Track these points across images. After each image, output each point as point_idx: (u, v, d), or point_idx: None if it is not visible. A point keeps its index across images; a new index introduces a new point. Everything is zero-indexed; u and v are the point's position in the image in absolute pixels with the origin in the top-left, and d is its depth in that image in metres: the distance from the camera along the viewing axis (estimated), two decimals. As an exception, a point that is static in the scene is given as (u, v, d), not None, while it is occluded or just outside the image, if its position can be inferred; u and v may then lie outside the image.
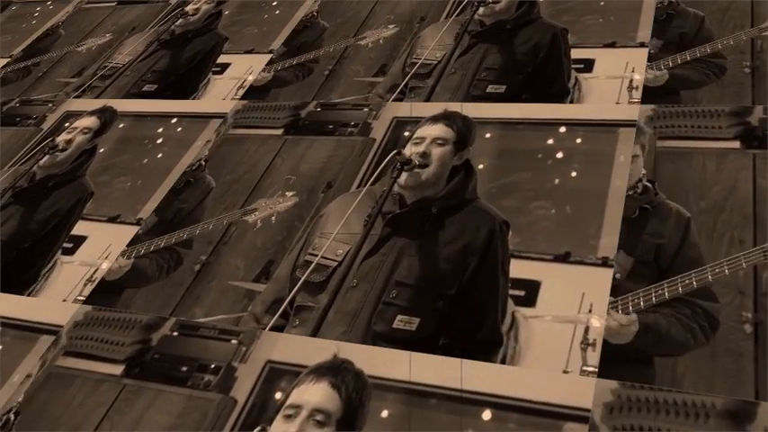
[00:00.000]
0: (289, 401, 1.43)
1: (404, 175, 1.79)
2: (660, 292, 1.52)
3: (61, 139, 2.45)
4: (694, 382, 1.37)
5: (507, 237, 1.71)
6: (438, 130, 1.89)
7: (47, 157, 2.39)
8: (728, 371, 1.37)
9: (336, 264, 1.74)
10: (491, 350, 1.53)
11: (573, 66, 2.17)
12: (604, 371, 1.42)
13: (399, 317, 1.61)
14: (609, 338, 1.47)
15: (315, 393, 1.42)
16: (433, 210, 1.75)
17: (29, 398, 1.69)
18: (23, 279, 2.03)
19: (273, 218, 1.97)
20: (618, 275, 1.58)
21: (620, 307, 1.52)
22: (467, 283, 1.64)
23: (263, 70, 2.55)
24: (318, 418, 1.38)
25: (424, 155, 1.81)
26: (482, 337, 1.57)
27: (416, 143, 1.86)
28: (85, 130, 2.48)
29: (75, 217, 2.18)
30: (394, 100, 2.24)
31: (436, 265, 1.69)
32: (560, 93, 2.11)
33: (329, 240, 1.79)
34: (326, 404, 1.40)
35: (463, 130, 1.89)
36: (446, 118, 1.94)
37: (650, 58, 2.10)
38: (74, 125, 2.52)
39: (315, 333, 1.64)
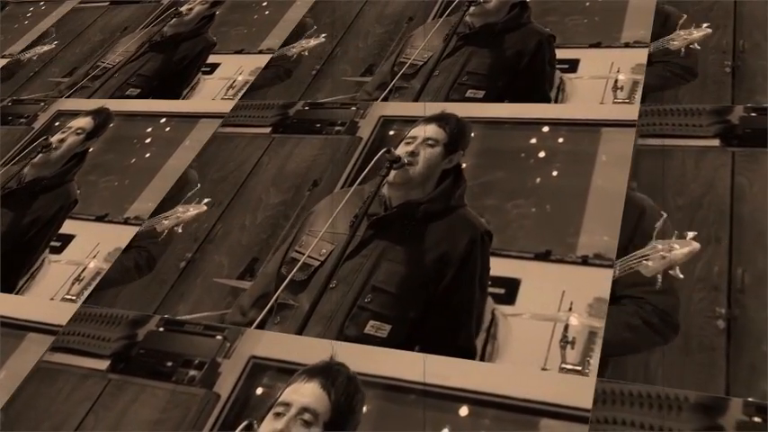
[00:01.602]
0: (280, 399, 1.45)
1: (392, 173, 1.81)
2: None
3: (55, 138, 2.46)
4: (667, 377, 1.39)
5: (489, 248, 1.70)
6: (430, 130, 1.90)
7: (40, 156, 2.40)
8: (700, 366, 1.39)
9: (319, 263, 1.76)
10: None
11: (558, 66, 2.19)
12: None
13: (371, 322, 1.62)
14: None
15: (304, 393, 1.43)
16: (418, 215, 1.76)
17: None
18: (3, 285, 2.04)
19: (180, 228, 2.01)
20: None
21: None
22: (442, 293, 1.64)
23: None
24: (306, 417, 1.40)
25: (413, 154, 1.83)
26: (454, 349, 1.56)
27: (408, 142, 1.88)
28: (79, 131, 2.49)
29: (56, 225, 2.19)
30: (382, 99, 2.25)
31: (414, 272, 1.69)
32: (540, 101, 2.12)
33: (315, 239, 1.81)
34: (315, 404, 1.41)
35: (455, 133, 1.90)
36: (440, 119, 1.96)
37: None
38: (68, 125, 2.53)
39: (299, 333, 1.66)
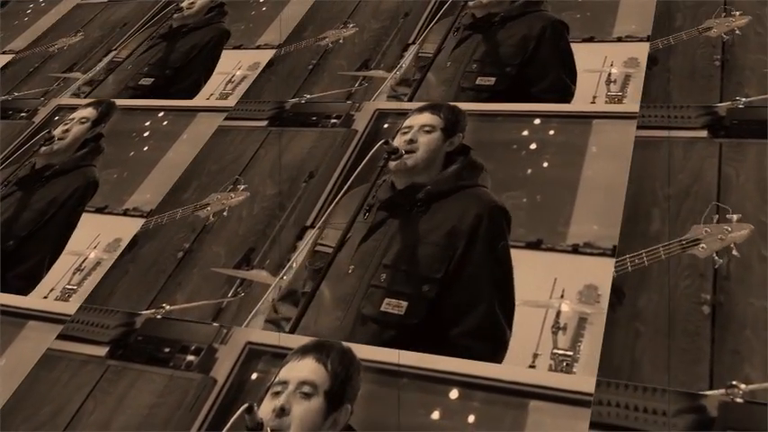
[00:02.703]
0: (277, 379, 1.47)
1: (392, 163, 1.85)
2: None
3: (58, 130, 2.48)
4: (652, 362, 1.42)
5: (502, 222, 1.73)
6: (425, 118, 1.94)
7: (44, 148, 2.43)
8: (685, 351, 1.42)
9: (333, 250, 1.80)
10: (493, 342, 1.55)
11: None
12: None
13: (387, 300, 1.65)
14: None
15: (300, 368, 1.46)
16: (420, 195, 1.79)
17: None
18: (25, 272, 2.08)
19: (225, 212, 2.04)
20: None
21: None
22: (455, 268, 1.67)
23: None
24: (305, 389, 1.42)
25: (411, 142, 1.87)
26: (473, 324, 1.59)
27: (404, 132, 1.92)
28: (83, 120, 2.51)
29: (74, 208, 2.22)
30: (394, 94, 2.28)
31: (423, 248, 1.72)
32: (556, 87, 2.14)
33: (334, 230, 1.86)
34: (312, 376, 1.44)
35: (450, 117, 1.94)
36: (432, 107, 2.00)
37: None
38: (70, 116, 2.56)
39: (300, 317, 1.69)
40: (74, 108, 2.62)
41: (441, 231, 1.72)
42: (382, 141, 1.87)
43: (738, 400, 1.32)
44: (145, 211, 2.12)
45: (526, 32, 2.27)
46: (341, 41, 2.59)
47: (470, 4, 2.46)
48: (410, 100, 2.23)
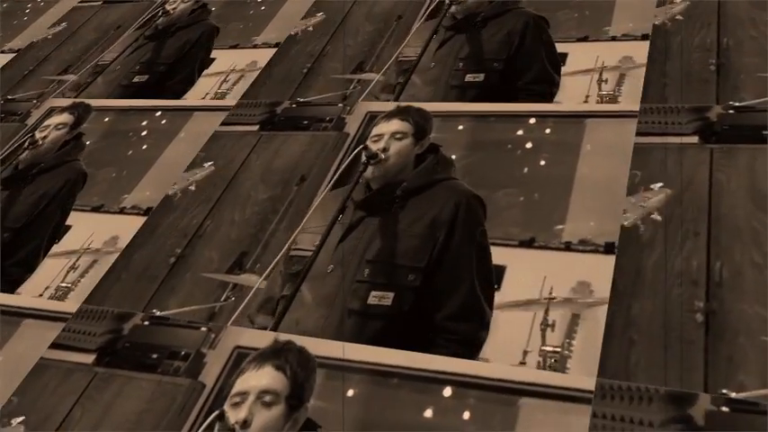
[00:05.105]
0: (234, 390, 1.45)
1: (369, 169, 1.85)
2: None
3: (38, 135, 2.48)
4: (647, 370, 1.40)
5: (479, 210, 1.75)
6: (395, 125, 1.93)
7: (26, 152, 2.42)
8: (679, 359, 1.41)
9: (312, 253, 1.79)
10: (475, 323, 1.57)
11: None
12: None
13: (373, 293, 1.65)
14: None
15: (260, 378, 1.43)
16: (398, 192, 1.80)
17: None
18: (22, 260, 2.10)
19: (194, 186, 2.11)
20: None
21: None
22: (438, 256, 1.68)
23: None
24: (266, 399, 1.40)
25: (384, 150, 1.86)
26: (456, 306, 1.61)
27: (375, 140, 1.90)
28: (60, 126, 2.50)
29: (66, 199, 2.24)
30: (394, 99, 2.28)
31: (404, 241, 1.73)
32: (540, 78, 2.16)
33: (309, 234, 1.85)
34: (273, 385, 1.42)
35: (420, 122, 1.94)
36: (400, 113, 1.99)
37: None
38: (46, 123, 2.55)
39: (279, 320, 1.69)
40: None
41: (422, 223, 1.73)
42: (362, 146, 1.87)
43: (724, 408, 1.31)
44: (143, 208, 2.11)
45: (510, 28, 2.29)
46: (310, 29, 2.61)
47: (453, 8, 2.46)
48: (396, 100, 2.23)
